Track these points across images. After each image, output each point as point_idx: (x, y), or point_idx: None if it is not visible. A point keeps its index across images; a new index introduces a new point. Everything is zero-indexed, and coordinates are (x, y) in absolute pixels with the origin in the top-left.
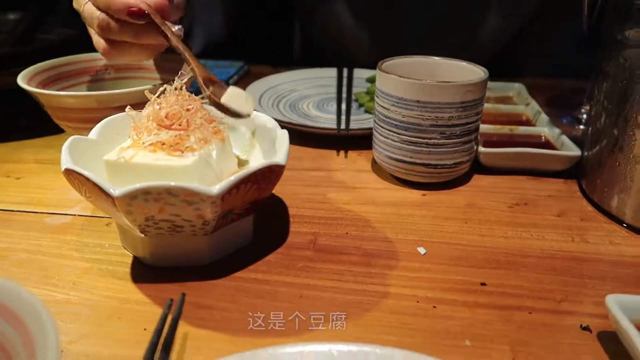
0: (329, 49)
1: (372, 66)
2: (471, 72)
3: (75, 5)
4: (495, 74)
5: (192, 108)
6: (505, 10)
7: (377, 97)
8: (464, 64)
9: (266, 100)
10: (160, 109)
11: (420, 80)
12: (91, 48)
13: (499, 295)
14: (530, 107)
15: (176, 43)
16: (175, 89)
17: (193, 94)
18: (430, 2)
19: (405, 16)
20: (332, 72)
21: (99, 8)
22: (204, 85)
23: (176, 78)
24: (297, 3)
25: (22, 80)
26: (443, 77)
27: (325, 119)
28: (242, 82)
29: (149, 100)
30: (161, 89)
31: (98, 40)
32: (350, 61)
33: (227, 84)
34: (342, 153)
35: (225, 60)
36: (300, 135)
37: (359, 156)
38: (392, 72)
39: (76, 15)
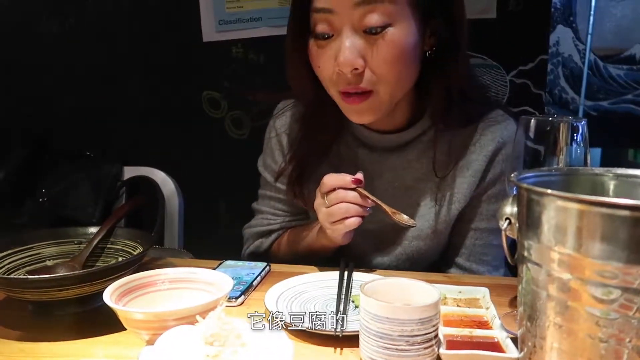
0: None
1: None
2: (429, 293)
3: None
4: None
5: (228, 328)
6: None
7: (361, 311)
8: (425, 285)
9: (282, 301)
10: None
11: (390, 302)
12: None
13: None
14: (489, 311)
15: (373, 198)
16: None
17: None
18: None
19: None
20: (337, 274)
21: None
22: (391, 215)
23: (218, 306)
24: None
25: (106, 297)
26: (409, 296)
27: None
28: (265, 282)
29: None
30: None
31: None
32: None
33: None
34: (338, 350)
35: (250, 262)
36: (305, 333)
37: (351, 353)
38: (370, 295)
39: None
